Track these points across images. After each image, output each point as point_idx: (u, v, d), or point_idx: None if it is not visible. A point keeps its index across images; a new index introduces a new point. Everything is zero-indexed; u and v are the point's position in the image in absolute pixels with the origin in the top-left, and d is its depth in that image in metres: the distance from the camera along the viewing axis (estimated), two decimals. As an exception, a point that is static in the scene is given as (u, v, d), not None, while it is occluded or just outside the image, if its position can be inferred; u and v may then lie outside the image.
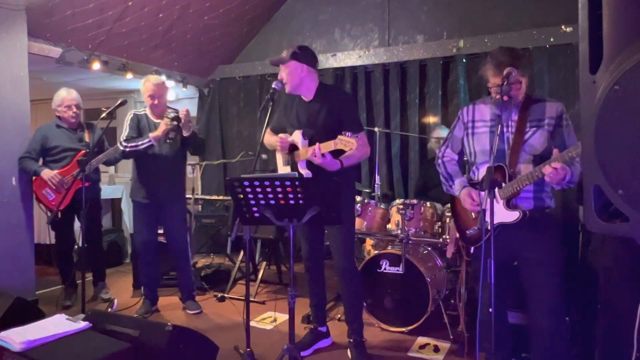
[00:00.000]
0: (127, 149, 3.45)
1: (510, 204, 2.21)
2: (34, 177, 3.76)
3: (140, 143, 3.42)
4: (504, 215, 2.20)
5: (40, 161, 3.83)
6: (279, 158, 2.97)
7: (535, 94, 2.36)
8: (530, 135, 2.21)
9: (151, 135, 3.41)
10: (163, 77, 5.29)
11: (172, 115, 3.40)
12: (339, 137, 2.41)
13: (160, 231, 3.80)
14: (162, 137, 3.42)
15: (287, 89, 2.79)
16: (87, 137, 3.91)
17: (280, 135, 2.87)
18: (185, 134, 3.43)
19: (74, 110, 3.88)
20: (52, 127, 3.89)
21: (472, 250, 2.54)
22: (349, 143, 2.38)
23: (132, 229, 3.94)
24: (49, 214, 3.69)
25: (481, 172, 2.33)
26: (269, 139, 2.95)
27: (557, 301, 2.23)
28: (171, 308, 3.84)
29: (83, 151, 3.77)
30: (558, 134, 2.19)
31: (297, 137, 2.78)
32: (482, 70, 2.29)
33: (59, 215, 3.65)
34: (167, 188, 3.55)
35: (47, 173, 3.69)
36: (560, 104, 2.25)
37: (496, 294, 1.97)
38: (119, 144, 3.51)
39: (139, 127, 3.53)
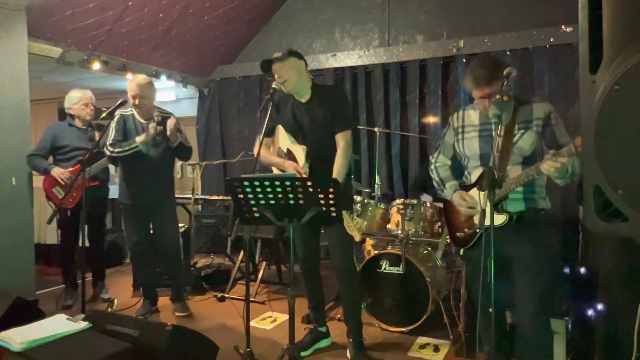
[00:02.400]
0: (114, 154, 3.40)
1: (498, 208, 2.21)
2: (44, 175, 3.80)
3: (127, 148, 3.37)
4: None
5: (50, 159, 3.88)
6: (275, 170, 2.95)
7: (535, 95, 2.36)
8: (519, 138, 2.21)
9: (138, 139, 3.35)
10: (163, 78, 5.32)
11: (159, 119, 3.34)
12: (345, 217, 2.45)
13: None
14: (149, 142, 3.37)
15: (287, 87, 2.73)
16: (97, 137, 3.92)
17: (287, 165, 2.76)
18: (171, 144, 3.40)
19: (90, 108, 3.95)
20: (63, 126, 3.95)
21: (461, 252, 2.56)
22: (349, 228, 2.49)
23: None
24: (56, 212, 3.70)
25: (473, 176, 2.36)
26: (270, 159, 2.86)
27: (541, 303, 2.21)
28: (171, 308, 3.84)
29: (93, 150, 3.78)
30: (548, 132, 2.20)
31: (299, 154, 2.75)
32: (464, 82, 2.31)
33: (69, 214, 3.74)
34: (155, 189, 3.50)
35: (57, 171, 3.74)
36: (547, 103, 2.25)
37: (489, 294, 1.97)
38: (105, 149, 3.46)
39: (125, 128, 3.47)
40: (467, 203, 2.31)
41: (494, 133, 2.24)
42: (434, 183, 2.56)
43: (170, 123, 3.35)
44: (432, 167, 2.57)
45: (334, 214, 2.17)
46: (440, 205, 3.72)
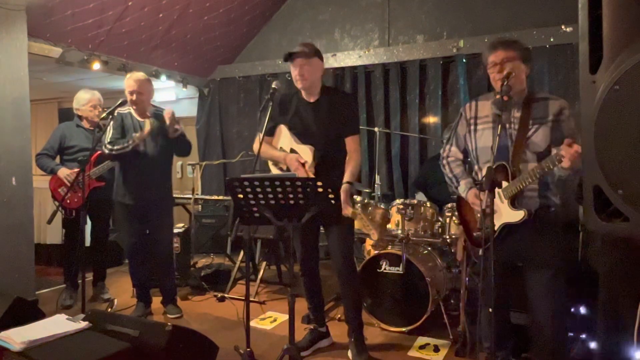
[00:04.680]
0: (114, 152, 3.38)
1: (515, 204, 2.20)
2: (51, 175, 3.86)
3: (125, 145, 3.35)
4: (509, 215, 2.20)
5: (58, 159, 3.96)
6: (274, 170, 2.94)
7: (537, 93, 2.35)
8: (533, 133, 2.20)
9: (135, 136, 3.34)
10: (163, 78, 5.32)
11: (153, 114, 3.34)
12: (363, 217, 2.43)
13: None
14: (146, 137, 3.36)
15: (301, 84, 2.71)
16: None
17: (289, 157, 2.76)
18: (170, 135, 3.37)
19: (99, 109, 3.99)
20: (71, 126, 4.01)
21: (480, 252, 2.52)
22: (366, 227, 2.49)
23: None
24: (61, 211, 3.71)
25: (484, 172, 2.32)
26: (270, 153, 2.86)
27: (559, 304, 2.23)
28: (162, 311, 3.80)
29: (99, 152, 3.78)
30: (557, 126, 2.19)
31: (306, 154, 2.73)
32: (482, 56, 2.32)
33: (74, 214, 3.78)
34: (153, 189, 3.48)
35: (63, 171, 3.81)
36: (562, 100, 2.24)
37: (500, 294, 1.97)
38: (103, 147, 3.44)
39: (123, 127, 3.45)
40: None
41: (507, 126, 2.23)
42: (446, 178, 2.53)
43: (167, 112, 3.33)
44: (445, 161, 2.53)
45: (334, 214, 2.17)
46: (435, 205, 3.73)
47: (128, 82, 3.45)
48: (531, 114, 2.21)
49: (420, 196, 4.03)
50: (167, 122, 3.33)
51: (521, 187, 2.14)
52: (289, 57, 2.71)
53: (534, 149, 2.20)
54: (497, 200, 2.16)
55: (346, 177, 2.67)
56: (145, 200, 3.49)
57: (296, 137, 2.81)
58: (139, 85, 3.40)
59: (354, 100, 2.95)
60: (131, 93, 3.41)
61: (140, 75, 3.50)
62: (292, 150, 2.81)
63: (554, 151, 2.08)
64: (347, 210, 2.43)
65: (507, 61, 2.18)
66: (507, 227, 2.20)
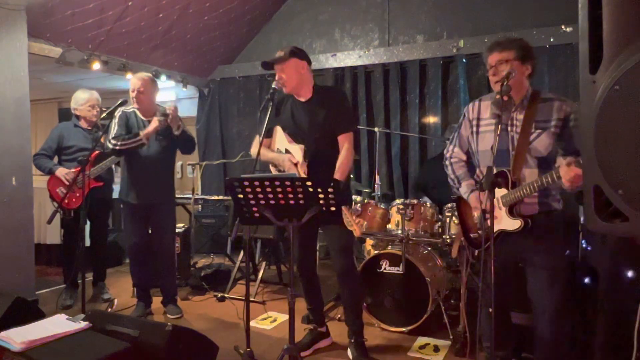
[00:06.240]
0: (118, 147, 3.38)
1: (513, 212, 2.18)
2: (49, 176, 3.86)
3: (131, 141, 3.35)
4: (506, 223, 2.19)
5: (56, 159, 3.95)
6: (274, 171, 2.94)
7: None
8: (535, 137, 2.16)
9: (142, 132, 3.35)
10: (163, 78, 5.32)
11: (162, 111, 3.36)
12: (345, 212, 2.36)
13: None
14: (152, 134, 3.37)
15: (287, 89, 2.73)
16: (102, 138, 3.93)
17: (282, 158, 2.75)
18: (175, 132, 3.38)
19: (97, 109, 4.00)
20: (69, 126, 4.01)
21: (476, 253, 2.52)
22: (349, 223, 2.40)
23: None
24: (60, 211, 3.70)
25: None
26: (267, 155, 2.86)
27: (560, 306, 2.22)
28: (163, 311, 3.81)
29: (97, 152, 3.77)
30: (566, 135, 2.14)
31: (297, 153, 2.73)
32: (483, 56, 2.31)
33: (72, 214, 3.77)
34: (156, 189, 3.50)
35: (61, 171, 3.81)
36: (569, 103, 2.17)
37: (499, 295, 1.96)
38: (107, 142, 3.45)
39: (128, 125, 3.46)
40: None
41: (509, 129, 2.21)
42: (449, 179, 2.52)
43: (170, 107, 3.34)
44: (447, 162, 2.52)
45: (333, 214, 2.17)
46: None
47: (132, 80, 3.49)
48: (535, 116, 2.16)
49: (426, 199, 4.03)
50: (169, 119, 3.33)
51: (520, 197, 2.12)
52: (267, 66, 2.73)
53: (535, 154, 2.17)
54: (495, 205, 2.15)
55: (335, 175, 2.63)
56: (148, 200, 3.51)
57: (289, 137, 2.81)
58: (141, 84, 3.44)
59: (345, 98, 2.92)
60: (133, 91, 3.44)
61: (144, 74, 3.54)
62: (287, 151, 2.82)
63: (559, 160, 2.05)
64: None
65: (501, 63, 2.15)
66: (504, 233, 2.20)
